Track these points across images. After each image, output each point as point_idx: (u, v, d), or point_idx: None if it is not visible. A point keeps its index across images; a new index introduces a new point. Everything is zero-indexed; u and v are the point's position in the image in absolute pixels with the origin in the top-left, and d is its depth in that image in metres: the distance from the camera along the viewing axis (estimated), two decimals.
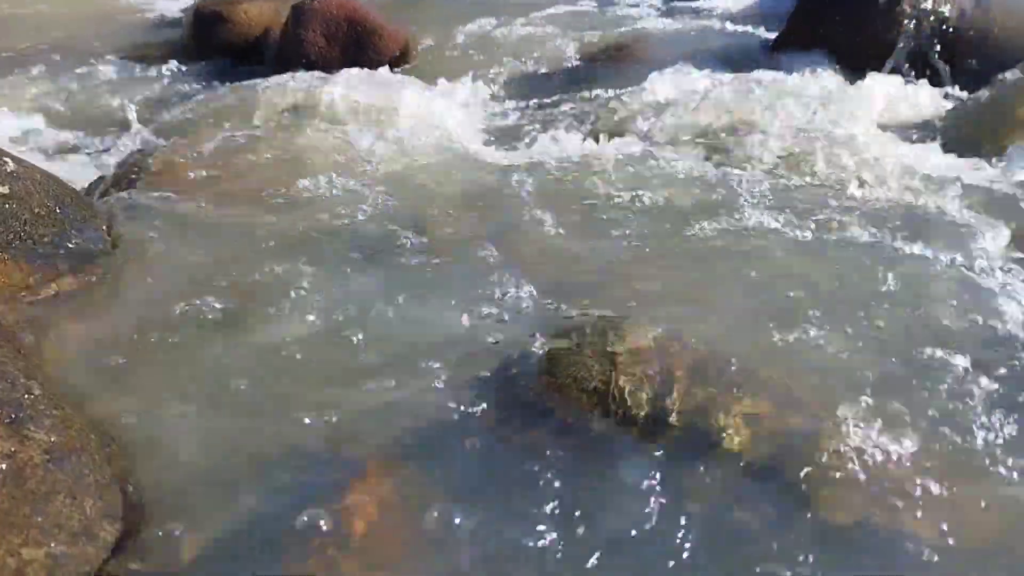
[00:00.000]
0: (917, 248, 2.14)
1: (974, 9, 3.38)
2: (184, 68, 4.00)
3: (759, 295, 1.95)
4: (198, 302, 1.90)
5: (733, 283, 2.00)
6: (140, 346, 1.79)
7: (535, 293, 1.96)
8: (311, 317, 1.89)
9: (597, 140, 2.82)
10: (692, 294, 1.98)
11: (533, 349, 1.75)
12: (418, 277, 2.07)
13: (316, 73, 3.60)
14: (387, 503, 1.46)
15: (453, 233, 2.24)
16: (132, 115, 3.07)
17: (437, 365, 1.73)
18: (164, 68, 3.99)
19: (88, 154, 3.01)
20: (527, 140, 2.96)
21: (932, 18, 3.37)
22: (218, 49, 4.18)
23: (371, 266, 2.11)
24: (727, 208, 2.33)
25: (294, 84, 3.43)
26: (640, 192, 2.44)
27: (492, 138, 3.01)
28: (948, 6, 3.37)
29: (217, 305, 1.90)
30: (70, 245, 2.05)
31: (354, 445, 1.56)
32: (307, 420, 1.60)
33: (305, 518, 1.39)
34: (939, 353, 1.74)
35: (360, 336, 1.83)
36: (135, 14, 5.04)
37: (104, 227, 2.18)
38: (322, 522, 1.39)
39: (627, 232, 2.24)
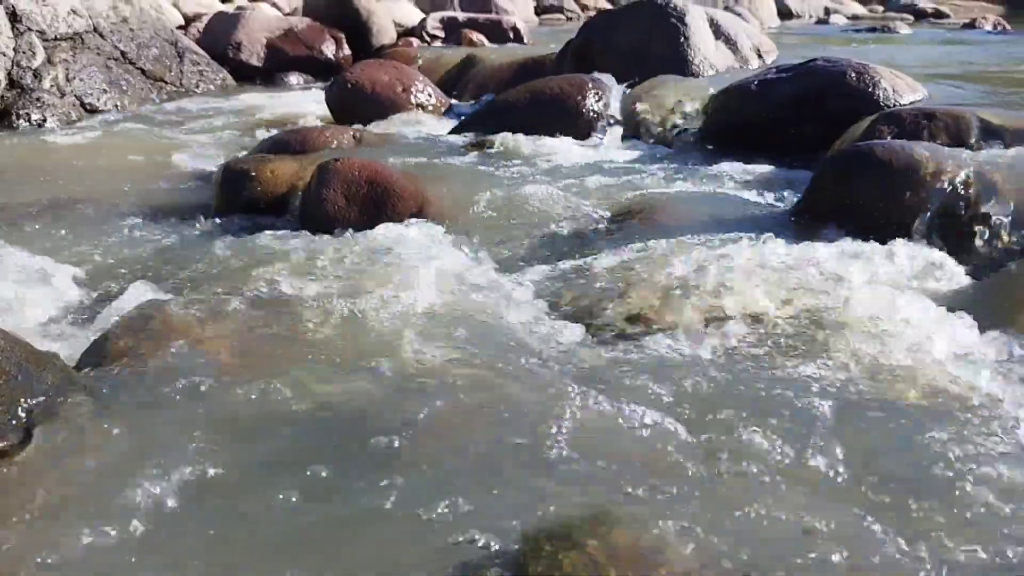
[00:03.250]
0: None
1: (1000, 184, 3.34)
2: (208, 224, 4.07)
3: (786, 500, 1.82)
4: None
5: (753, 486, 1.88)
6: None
7: (526, 477, 1.85)
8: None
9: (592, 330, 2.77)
10: (706, 492, 1.85)
11: (508, 548, 1.64)
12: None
13: (335, 233, 3.66)
14: None
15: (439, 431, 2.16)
16: (144, 271, 3.09)
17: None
18: (189, 224, 4.06)
19: (90, 310, 3.00)
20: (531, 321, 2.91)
21: (958, 188, 3.32)
22: (244, 206, 4.26)
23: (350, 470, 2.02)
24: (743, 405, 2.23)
25: (307, 244, 3.47)
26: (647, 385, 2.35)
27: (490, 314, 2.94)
28: (975, 177, 3.34)
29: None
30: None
31: None
32: None
33: None
34: None
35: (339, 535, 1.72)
36: (169, 170, 5.21)
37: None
38: None
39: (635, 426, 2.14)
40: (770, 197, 4.16)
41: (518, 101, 5.87)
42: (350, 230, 3.70)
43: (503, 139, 5.23)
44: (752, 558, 1.65)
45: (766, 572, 1.61)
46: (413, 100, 6.74)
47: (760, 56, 7.26)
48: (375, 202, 3.90)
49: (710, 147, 5.21)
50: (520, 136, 5.40)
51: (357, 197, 3.92)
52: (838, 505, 1.82)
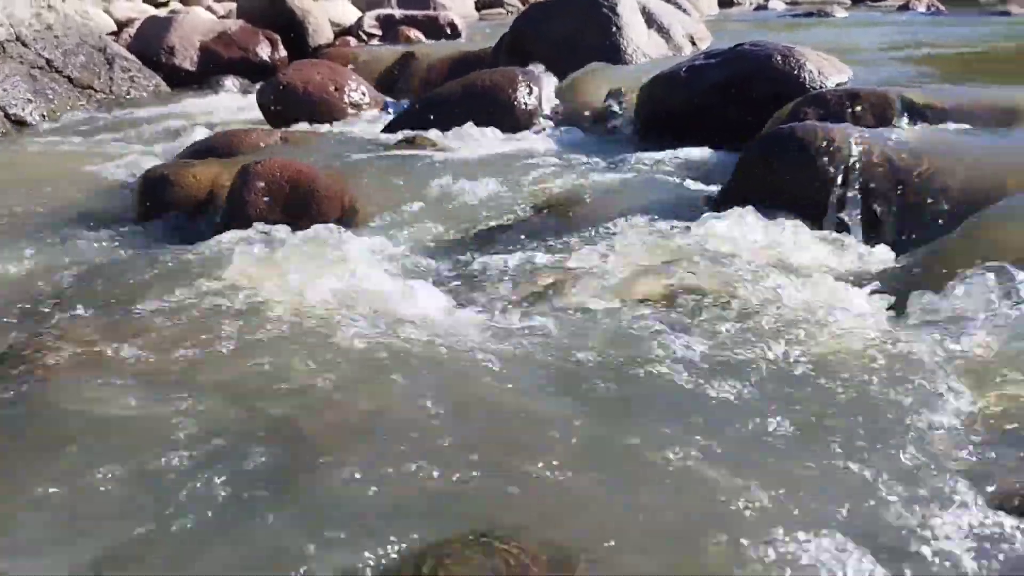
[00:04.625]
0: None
1: (912, 162, 3.36)
2: (126, 232, 3.96)
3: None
4: None
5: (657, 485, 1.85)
6: None
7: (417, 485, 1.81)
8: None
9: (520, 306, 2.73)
10: (602, 498, 1.81)
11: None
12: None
13: (254, 236, 3.57)
14: None
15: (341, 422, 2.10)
16: (52, 282, 2.99)
17: None
18: (106, 233, 3.95)
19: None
20: (457, 301, 2.87)
21: (876, 167, 3.34)
22: (165, 211, 4.15)
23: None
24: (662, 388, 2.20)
25: (226, 248, 3.38)
26: (571, 361, 2.32)
27: (424, 298, 2.89)
28: (892, 155, 3.35)
29: None
30: None
31: None
32: None
33: None
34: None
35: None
36: (93, 180, 5.06)
37: None
38: None
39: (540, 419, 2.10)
40: (699, 183, 4.15)
41: (450, 96, 5.81)
42: (272, 232, 3.61)
43: (434, 135, 5.17)
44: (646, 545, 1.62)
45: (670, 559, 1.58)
46: (347, 99, 6.64)
47: (694, 43, 7.28)
48: (298, 203, 3.83)
49: (642, 135, 5.20)
50: (452, 131, 5.35)
51: (280, 198, 3.84)
52: (737, 482, 1.79)
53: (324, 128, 5.97)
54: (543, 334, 2.52)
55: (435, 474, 1.87)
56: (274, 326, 2.63)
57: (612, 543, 1.65)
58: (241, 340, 2.56)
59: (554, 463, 1.90)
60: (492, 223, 3.77)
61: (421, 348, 2.45)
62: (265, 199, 3.81)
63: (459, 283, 3.05)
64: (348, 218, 3.78)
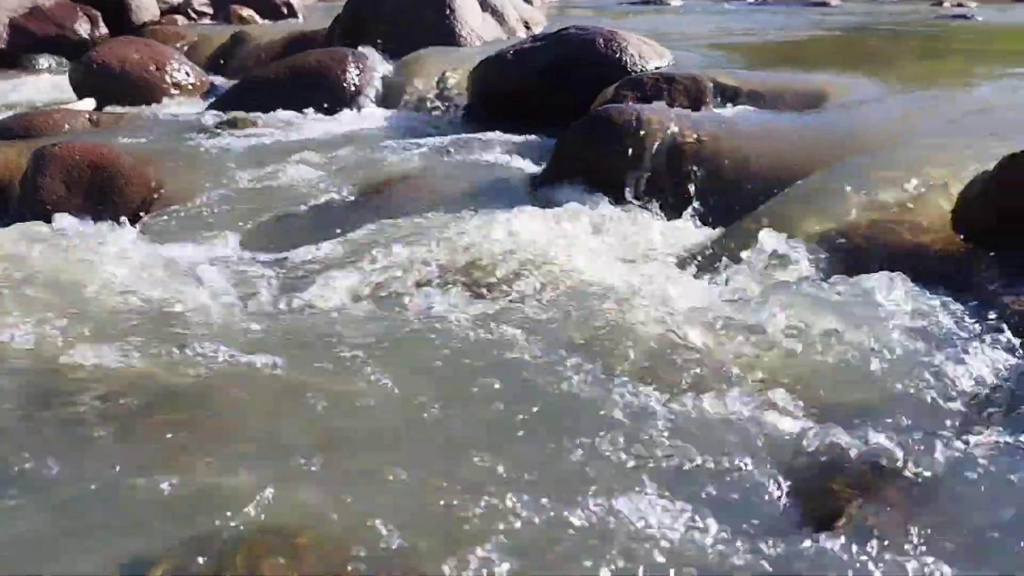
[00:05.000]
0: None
1: (727, 151, 3.47)
2: None
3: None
4: None
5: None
6: None
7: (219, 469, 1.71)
8: None
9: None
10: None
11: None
12: None
13: (53, 224, 3.33)
14: None
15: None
16: None
17: None
18: None
19: None
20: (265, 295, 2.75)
21: (685, 147, 3.43)
22: None
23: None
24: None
25: (17, 238, 3.13)
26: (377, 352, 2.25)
27: (226, 295, 2.75)
28: (700, 135, 3.45)
29: None
30: None
31: None
32: None
33: None
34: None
35: None
36: None
37: None
38: None
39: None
40: (524, 166, 4.17)
41: (277, 77, 5.62)
42: (71, 220, 3.37)
43: (258, 117, 4.99)
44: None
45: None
46: (169, 79, 6.31)
47: (528, 27, 7.33)
48: (100, 188, 3.60)
49: (472, 118, 5.18)
50: (278, 113, 5.18)
51: (80, 184, 3.59)
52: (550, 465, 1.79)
53: (141, 110, 5.65)
54: (347, 322, 2.45)
55: (206, 473, 1.78)
56: (71, 314, 2.45)
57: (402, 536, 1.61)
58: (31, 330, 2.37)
59: (354, 458, 1.84)
60: (308, 207, 3.66)
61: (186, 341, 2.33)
62: (62, 185, 3.56)
63: (259, 270, 2.91)
64: (156, 203, 3.58)
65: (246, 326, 2.45)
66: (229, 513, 1.64)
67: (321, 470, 1.79)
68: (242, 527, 1.61)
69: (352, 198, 3.80)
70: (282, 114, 5.13)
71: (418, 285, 2.71)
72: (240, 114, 4.98)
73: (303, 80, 5.43)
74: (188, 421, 2.00)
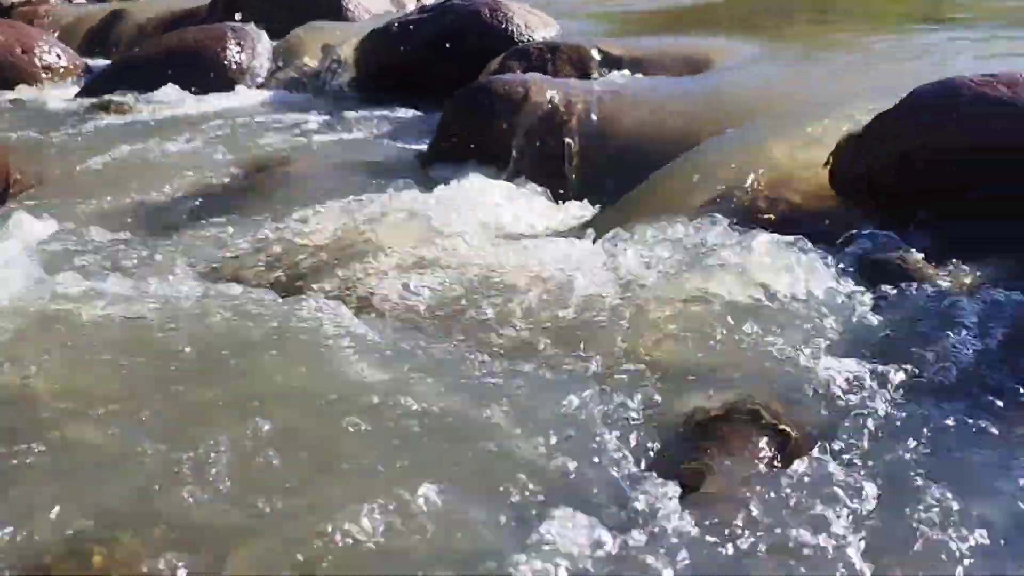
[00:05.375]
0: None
1: (611, 119, 3.44)
2: None
3: None
4: None
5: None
6: None
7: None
8: None
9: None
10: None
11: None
12: None
13: None
14: None
15: None
16: None
17: None
18: None
19: None
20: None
21: (570, 116, 3.38)
22: None
23: None
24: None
25: None
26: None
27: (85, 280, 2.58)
28: (584, 104, 3.41)
29: None
30: None
31: None
32: None
33: None
34: None
35: None
36: None
37: None
38: None
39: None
40: (410, 142, 4.08)
41: (153, 57, 5.37)
42: None
43: (132, 99, 4.76)
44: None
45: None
46: (38, 63, 5.97)
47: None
48: None
49: (359, 94, 5.06)
50: (154, 94, 4.96)
51: None
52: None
53: (5, 95, 5.33)
54: (208, 311, 2.32)
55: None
56: None
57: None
58: None
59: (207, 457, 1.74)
60: (184, 191, 3.50)
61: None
62: None
63: (106, 257, 2.74)
64: (9, 194, 3.36)
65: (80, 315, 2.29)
66: None
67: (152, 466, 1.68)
68: None
69: (229, 181, 3.66)
70: (159, 95, 4.92)
71: (287, 268, 2.59)
72: (113, 97, 4.75)
73: (181, 59, 5.20)
74: None
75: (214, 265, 2.74)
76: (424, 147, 3.91)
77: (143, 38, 7.31)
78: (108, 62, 6.83)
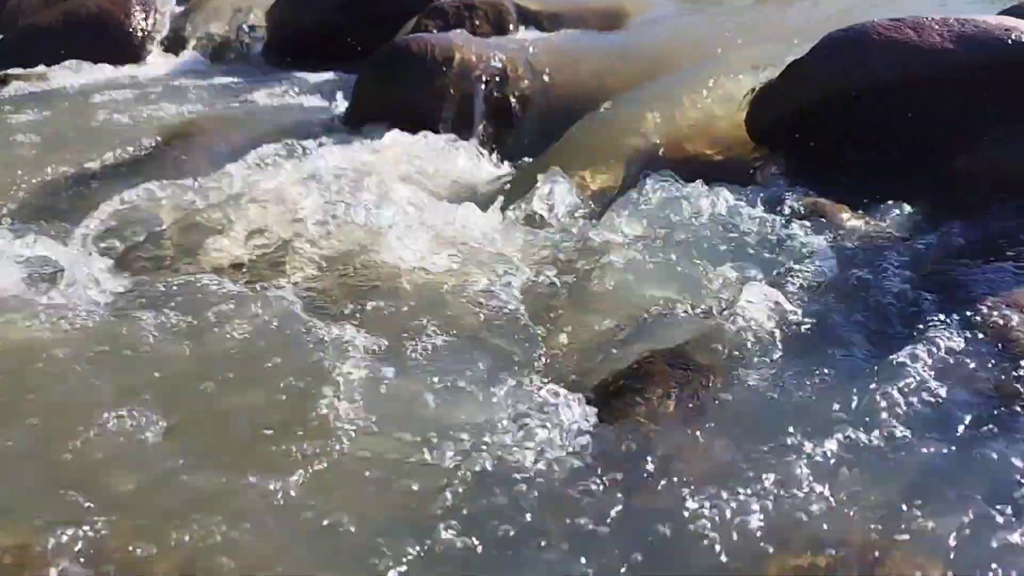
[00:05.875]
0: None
1: (529, 76, 3.41)
2: None
3: None
4: None
5: None
6: None
7: None
8: None
9: None
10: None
11: None
12: None
13: None
14: None
15: None
16: None
17: None
18: None
19: None
20: None
21: (489, 74, 3.35)
22: None
23: None
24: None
25: None
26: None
27: None
28: (504, 62, 3.38)
29: None
30: None
31: None
32: None
33: None
34: None
35: None
36: None
37: None
38: None
39: None
40: (326, 107, 3.99)
41: (51, 26, 5.12)
42: None
43: (28, 73, 4.54)
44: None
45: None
46: None
47: None
48: None
49: (272, 58, 4.93)
50: (56, 67, 4.74)
51: None
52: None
53: None
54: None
55: None
56: None
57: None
58: None
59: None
60: (90, 165, 3.38)
61: None
62: None
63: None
64: None
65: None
66: None
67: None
68: None
69: (143, 151, 3.55)
70: (61, 67, 4.70)
71: (199, 239, 2.51)
72: (9, 71, 4.52)
73: (81, 28, 4.98)
74: None
75: (126, 240, 2.65)
76: (342, 110, 3.84)
77: (42, 7, 6.98)
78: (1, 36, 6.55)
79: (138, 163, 3.50)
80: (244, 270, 2.35)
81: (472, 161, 3.08)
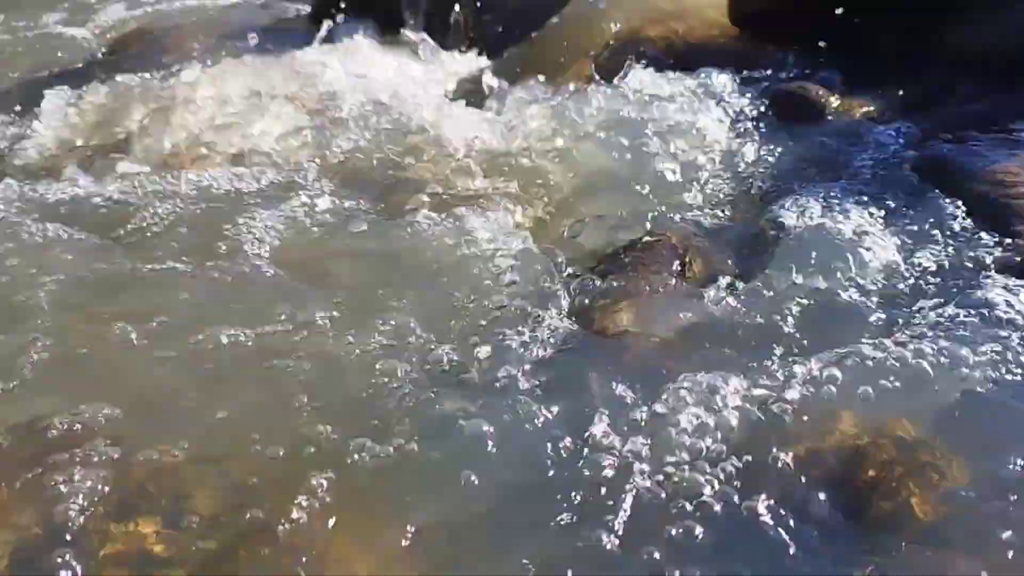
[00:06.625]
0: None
1: None
2: None
3: None
4: None
5: None
6: None
7: None
8: None
9: None
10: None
11: None
12: None
13: None
14: None
15: None
16: None
17: None
18: None
19: None
20: None
21: None
22: None
23: None
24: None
25: None
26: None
27: None
28: None
29: None
30: None
31: None
32: None
33: None
34: None
35: None
36: None
37: None
38: None
39: None
40: (290, 5, 3.83)
41: None
42: None
43: None
44: None
45: None
46: None
47: None
48: None
49: None
50: None
51: None
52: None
53: None
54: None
55: None
56: None
57: None
58: None
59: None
60: (43, 70, 3.23)
61: None
62: None
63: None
64: None
65: None
66: None
67: None
68: None
69: (98, 57, 3.40)
70: None
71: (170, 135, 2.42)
72: None
73: None
74: None
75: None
76: (304, 9, 3.68)
77: None
78: None
79: (95, 66, 3.35)
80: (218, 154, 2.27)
81: (442, 57, 2.99)
